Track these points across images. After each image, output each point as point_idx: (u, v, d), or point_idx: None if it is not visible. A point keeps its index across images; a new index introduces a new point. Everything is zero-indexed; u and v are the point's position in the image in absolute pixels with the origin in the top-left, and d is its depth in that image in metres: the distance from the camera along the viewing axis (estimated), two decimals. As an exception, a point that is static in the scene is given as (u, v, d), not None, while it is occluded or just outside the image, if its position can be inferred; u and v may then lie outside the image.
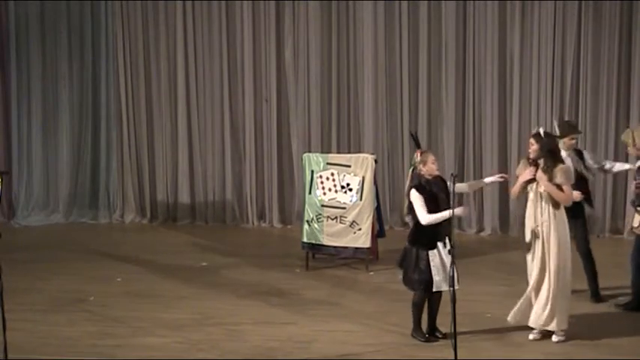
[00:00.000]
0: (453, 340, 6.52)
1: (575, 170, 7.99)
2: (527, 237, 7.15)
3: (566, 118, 9.31)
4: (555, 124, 8.59)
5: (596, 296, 8.36)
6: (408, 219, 7.67)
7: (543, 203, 7.03)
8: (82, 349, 7.20)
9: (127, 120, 12.87)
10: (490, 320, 7.82)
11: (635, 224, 7.72)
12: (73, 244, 11.43)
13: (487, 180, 7.79)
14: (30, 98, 13.03)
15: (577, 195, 7.46)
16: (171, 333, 7.62)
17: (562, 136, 8.27)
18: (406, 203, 7.22)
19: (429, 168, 7.09)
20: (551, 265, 7.01)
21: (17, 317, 7.42)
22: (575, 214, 7.82)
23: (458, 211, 6.89)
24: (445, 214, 6.90)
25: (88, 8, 12.81)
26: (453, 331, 6.55)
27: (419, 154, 7.16)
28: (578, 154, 8.44)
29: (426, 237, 7.06)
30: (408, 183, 7.29)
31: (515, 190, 7.26)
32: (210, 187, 12.79)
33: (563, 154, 8.26)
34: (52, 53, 12.95)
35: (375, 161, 9.85)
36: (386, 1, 11.93)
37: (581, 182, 8.10)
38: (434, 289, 7.12)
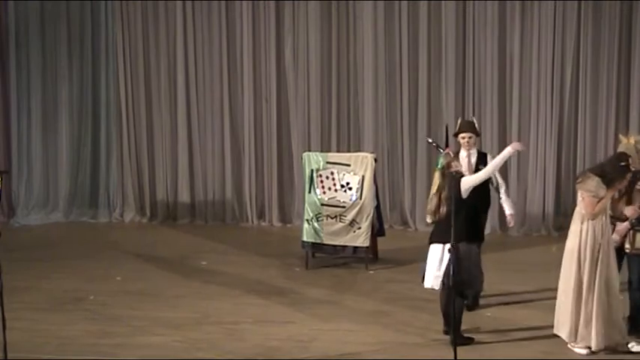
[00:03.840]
0: (453, 340, 6.52)
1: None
2: (588, 253, 6.83)
3: (470, 118, 9.11)
4: (459, 122, 8.60)
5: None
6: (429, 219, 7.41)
7: (606, 219, 6.88)
8: (81, 348, 7.19)
9: (127, 119, 12.87)
10: (490, 320, 7.83)
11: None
12: (72, 243, 11.43)
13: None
14: (30, 97, 13.02)
15: None
16: (171, 332, 7.62)
17: (454, 134, 8.32)
18: (436, 203, 7.06)
19: (459, 164, 7.30)
20: (613, 279, 6.86)
21: (17, 316, 7.42)
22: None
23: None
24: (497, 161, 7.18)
25: (88, 8, 12.79)
26: (452, 331, 6.56)
27: (450, 152, 7.26)
28: (481, 157, 8.23)
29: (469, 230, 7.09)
30: (438, 184, 7.10)
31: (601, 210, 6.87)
32: (210, 186, 12.78)
33: (463, 153, 8.22)
34: (52, 52, 12.94)
35: (375, 160, 9.85)
36: (386, 1, 11.93)
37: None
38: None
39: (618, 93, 11.48)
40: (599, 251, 6.78)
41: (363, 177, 9.66)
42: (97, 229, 12.57)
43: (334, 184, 9.75)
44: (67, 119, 13.03)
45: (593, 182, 6.81)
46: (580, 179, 6.98)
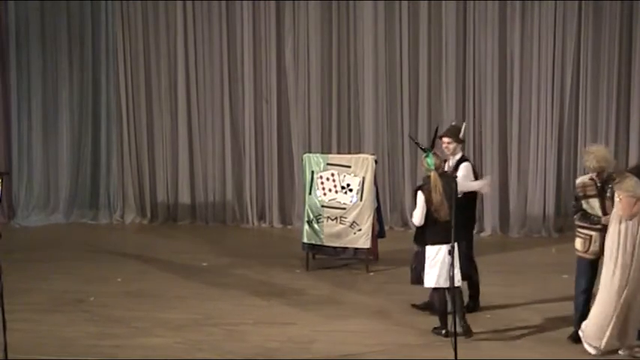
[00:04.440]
0: (453, 340, 6.53)
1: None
2: (627, 254, 6.76)
3: (460, 124, 9.00)
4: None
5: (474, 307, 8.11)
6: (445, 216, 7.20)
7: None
8: (81, 349, 7.20)
9: (127, 120, 12.86)
10: (490, 320, 7.83)
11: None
12: (73, 245, 11.43)
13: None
14: (30, 98, 13.02)
15: None
16: (172, 333, 7.62)
17: (439, 137, 8.23)
18: (447, 205, 7.07)
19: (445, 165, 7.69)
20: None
21: (17, 317, 7.42)
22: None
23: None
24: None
25: (88, 8, 12.79)
26: (453, 331, 6.56)
27: (438, 154, 7.41)
28: (457, 163, 8.09)
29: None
30: (439, 184, 7.17)
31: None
32: (210, 187, 12.78)
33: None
34: (52, 53, 12.94)
35: (376, 162, 9.84)
36: (386, 1, 11.92)
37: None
38: None
39: (619, 93, 11.47)
40: (635, 251, 6.72)
41: (363, 178, 9.65)
42: (98, 230, 12.56)
43: (335, 186, 9.74)
44: (67, 120, 13.03)
45: (632, 182, 6.75)
46: (617, 180, 6.84)
